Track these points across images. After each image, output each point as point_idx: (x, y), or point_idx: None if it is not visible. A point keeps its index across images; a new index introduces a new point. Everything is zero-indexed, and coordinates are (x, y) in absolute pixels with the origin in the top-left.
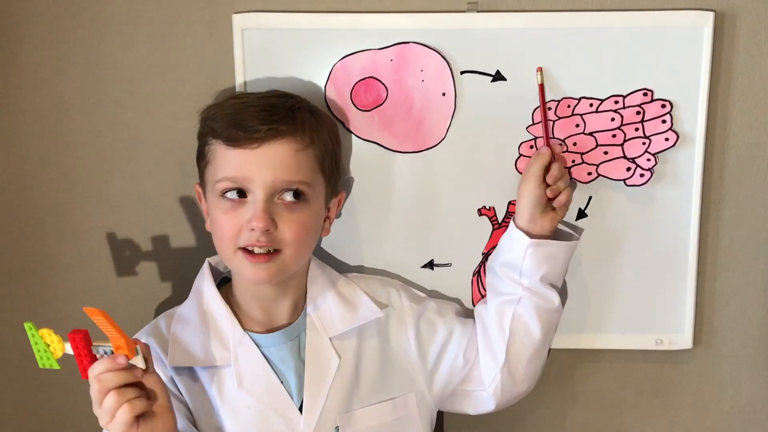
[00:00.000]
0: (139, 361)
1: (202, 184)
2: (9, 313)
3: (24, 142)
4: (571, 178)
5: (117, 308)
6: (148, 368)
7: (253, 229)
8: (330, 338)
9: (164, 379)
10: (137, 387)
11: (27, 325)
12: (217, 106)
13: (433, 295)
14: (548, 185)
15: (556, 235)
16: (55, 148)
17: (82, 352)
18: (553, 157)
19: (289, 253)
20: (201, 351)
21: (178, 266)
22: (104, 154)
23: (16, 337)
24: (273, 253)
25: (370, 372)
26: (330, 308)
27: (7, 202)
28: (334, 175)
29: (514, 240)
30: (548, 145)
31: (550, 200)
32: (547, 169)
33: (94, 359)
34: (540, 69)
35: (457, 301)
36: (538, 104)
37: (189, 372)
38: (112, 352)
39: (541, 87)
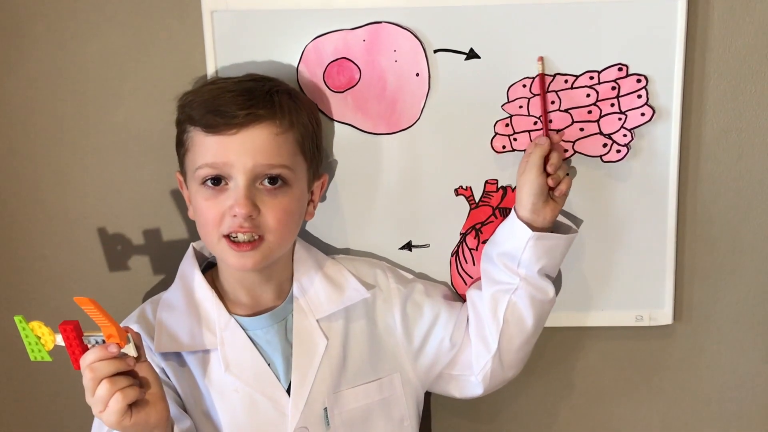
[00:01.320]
0: (130, 350)
1: (183, 171)
2: None
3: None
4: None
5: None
6: (140, 356)
7: (235, 215)
8: (317, 320)
9: (152, 365)
10: (130, 375)
11: (17, 319)
12: (194, 92)
13: (414, 276)
14: (548, 174)
15: (555, 227)
16: (27, 141)
17: (73, 343)
18: (552, 146)
19: (273, 239)
20: (187, 336)
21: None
22: (80, 146)
23: (7, 330)
24: (257, 240)
25: (357, 353)
26: (317, 290)
27: None
28: (315, 157)
29: (515, 230)
30: (547, 134)
31: (551, 189)
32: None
33: (85, 349)
34: (541, 59)
35: (445, 284)
36: (513, 81)
37: (176, 357)
38: (104, 342)
39: (542, 77)
